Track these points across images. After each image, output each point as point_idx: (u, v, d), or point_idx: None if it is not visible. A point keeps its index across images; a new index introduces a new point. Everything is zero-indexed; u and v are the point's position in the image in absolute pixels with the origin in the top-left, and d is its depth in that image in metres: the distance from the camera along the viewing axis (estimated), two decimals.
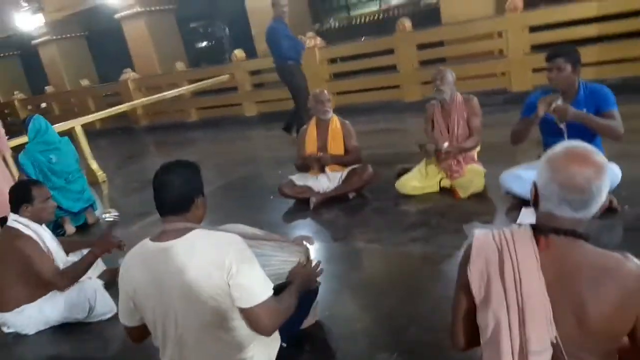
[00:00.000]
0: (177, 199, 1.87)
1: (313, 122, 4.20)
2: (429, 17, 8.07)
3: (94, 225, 4.46)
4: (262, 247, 2.21)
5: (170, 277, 1.81)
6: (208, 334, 1.86)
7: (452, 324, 1.56)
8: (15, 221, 2.80)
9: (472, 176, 3.59)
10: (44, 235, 2.86)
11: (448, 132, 3.79)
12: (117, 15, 10.57)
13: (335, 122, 4.12)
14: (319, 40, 7.72)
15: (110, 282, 3.10)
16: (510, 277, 1.33)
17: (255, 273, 1.84)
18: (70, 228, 4.47)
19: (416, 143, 3.87)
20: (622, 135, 2.87)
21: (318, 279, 2.27)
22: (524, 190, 3.15)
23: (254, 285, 1.81)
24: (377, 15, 15.44)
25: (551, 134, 3.10)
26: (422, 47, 6.89)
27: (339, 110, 7.13)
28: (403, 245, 3.06)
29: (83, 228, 4.46)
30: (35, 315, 2.82)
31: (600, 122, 2.88)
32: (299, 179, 4.14)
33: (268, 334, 1.91)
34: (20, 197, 2.84)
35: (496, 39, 6.40)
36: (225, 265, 1.77)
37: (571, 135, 2.99)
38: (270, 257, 2.22)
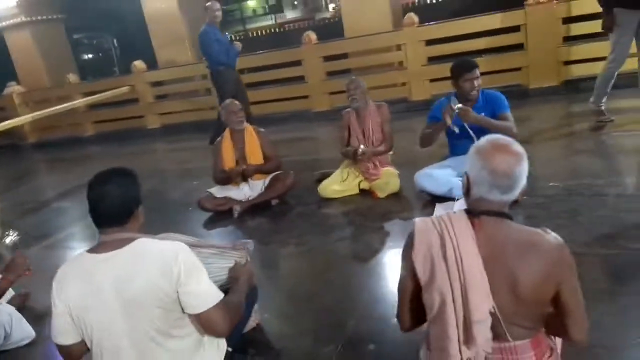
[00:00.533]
0: (116, 210, 1.81)
1: (227, 134, 4.13)
2: (329, 31, 8.44)
3: None
4: (200, 255, 2.19)
5: (114, 288, 1.75)
6: (155, 345, 1.81)
7: (399, 307, 1.69)
8: None
9: (388, 178, 3.83)
10: None
11: (364, 137, 4.00)
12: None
13: (250, 131, 4.12)
14: None
15: (21, 308, 2.88)
16: (452, 257, 1.48)
17: (204, 278, 1.84)
18: None
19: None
20: (516, 135, 3.25)
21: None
22: (436, 187, 3.45)
23: (204, 291, 1.81)
24: (273, 29, 15.80)
25: (456, 137, 3.44)
26: (328, 59, 7.16)
27: (254, 119, 7.20)
28: (331, 245, 3.18)
29: None
30: None
31: (496, 124, 3.23)
32: (219, 191, 4.11)
33: (224, 335, 1.92)
34: None
35: (395, 52, 6.85)
36: (173, 273, 1.75)
37: (468, 135, 3.36)
38: (209, 265, 2.21)
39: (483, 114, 3.32)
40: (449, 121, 3.27)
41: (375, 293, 2.43)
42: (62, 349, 1.89)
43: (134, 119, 8.74)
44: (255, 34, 13.98)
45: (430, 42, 6.52)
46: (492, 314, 1.47)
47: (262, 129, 4.20)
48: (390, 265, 2.78)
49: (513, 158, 1.47)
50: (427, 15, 7.06)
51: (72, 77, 8.92)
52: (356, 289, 2.61)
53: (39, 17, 9.59)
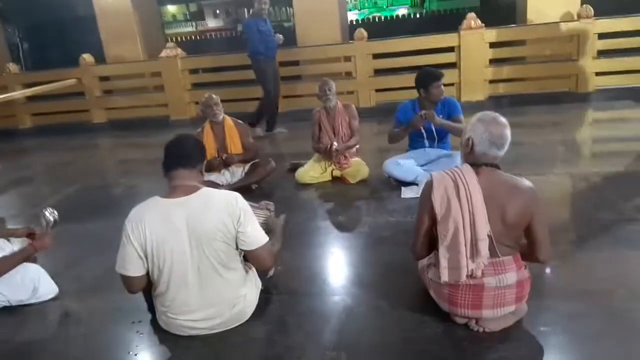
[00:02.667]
0: (190, 152, 2.26)
1: (207, 125, 4.46)
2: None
3: None
4: None
5: (187, 226, 2.15)
6: (215, 274, 2.23)
7: (415, 240, 2.26)
8: None
9: (358, 166, 4.41)
10: None
11: (334, 133, 4.55)
12: None
13: (228, 122, 4.49)
14: (179, 50, 7.93)
15: None
16: (463, 195, 2.07)
17: (255, 222, 2.28)
18: None
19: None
20: None
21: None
22: (403, 174, 4.08)
23: (256, 232, 2.26)
24: (193, 35, 16.18)
25: (416, 135, 4.16)
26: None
27: (201, 118, 7.51)
28: (321, 221, 3.67)
29: None
30: None
31: (453, 126, 3.94)
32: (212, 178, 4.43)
33: (269, 269, 2.38)
34: None
35: (344, 63, 7.52)
36: (235, 214, 2.18)
37: (431, 135, 4.08)
38: None
39: (441, 115, 4.02)
40: (420, 125, 3.94)
41: (357, 255, 3.02)
42: (127, 279, 2.24)
43: (78, 113, 8.62)
44: (173, 40, 14.17)
45: (377, 56, 7.28)
46: (489, 237, 2.07)
47: (239, 120, 4.59)
48: (367, 233, 3.36)
49: (505, 125, 2.10)
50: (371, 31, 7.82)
51: (13, 67, 8.61)
52: (342, 254, 3.14)
53: None
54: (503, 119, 2.13)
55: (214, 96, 4.41)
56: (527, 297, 2.20)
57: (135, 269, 2.20)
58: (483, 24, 6.89)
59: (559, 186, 3.96)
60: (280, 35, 6.54)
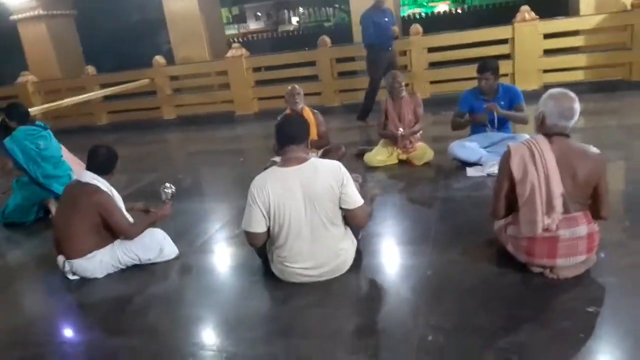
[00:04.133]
0: (298, 133, 2.70)
1: (289, 112, 4.98)
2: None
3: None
4: None
5: (301, 189, 2.61)
6: (324, 229, 2.68)
7: (495, 202, 2.63)
8: (94, 179, 3.19)
9: (423, 150, 4.78)
10: (115, 194, 3.28)
11: (399, 120, 4.93)
12: (13, 17, 10.04)
13: (307, 112, 4.95)
14: (244, 50, 8.51)
15: None
16: (539, 159, 2.43)
17: (354, 186, 2.71)
18: (55, 209, 4.63)
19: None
20: (528, 122, 4.27)
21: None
22: (468, 155, 4.42)
23: (355, 194, 2.69)
24: (235, 37, 17.07)
25: (477, 124, 4.49)
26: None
27: (265, 113, 8.06)
28: (395, 196, 4.07)
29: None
30: (106, 260, 3.20)
31: (514, 115, 4.27)
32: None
33: (364, 226, 2.82)
34: (113, 162, 3.28)
35: (400, 57, 7.90)
36: (339, 178, 2.63)
37: (493, 123, 4.41)
38: None
39: (502, 102, 4.33)
40: (484, 121, 4.34)
41: (434, 222, 3.44)
42: (252, 235, 2.73)
43: (150, 110, 9.35)
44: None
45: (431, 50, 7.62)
46: (562, 195, 2.41)
47: (316, 111, 5.05)
48: (440, 206, 3.74)
49: (573, 100, 2.45)
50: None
51: (91, 69, 9.43)
52: (420, 222, 3.55)
53: (55, 12, 10.06)
54: (572, 94, 2.47)
55: (297, 87, 4.88)
56: (596, 249, 2.53)
57: (259, 226, 2.68)
58: (537, 16, 7.10)
59: (616, 170, 4.19)
60: (396, 28, 6.62)
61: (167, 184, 3.54)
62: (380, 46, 6.53)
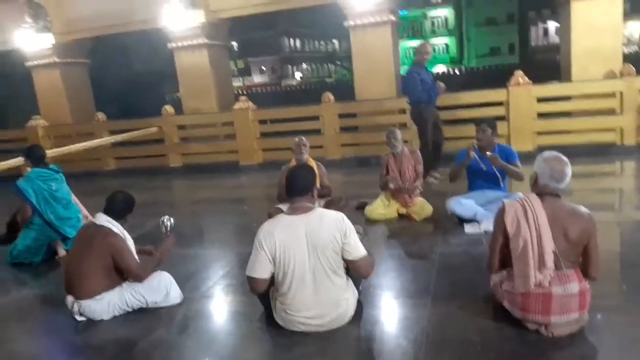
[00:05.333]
0: (305, 187, 2.87)
1: (293, 162, 5.19)
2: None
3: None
4: None
5: (307, 236, 2.76)
6: (326, 278, 2.81)
7: (490, 256, 2.77)
8: (108, 222, 3.33)
9: (422, 205, 4.95)
10: (127, 237, 3.41)
11: (400, 175, 5.13)
12: (28, 64, 10.48)
13: (311, 163, 5.17)
14: (250, 103, 8.86)
15: None
16: (531, 216, 2.59)
17: (356, 237, 2.85)
18: (62, 251, 4.72)
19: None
20: (523, 178, 4.47)
21: None
22: (464, 211, 4.58)
23: (358, 245, 2.83)
24: (240, 90, 17.58)
25: (476, 176, 4.69)
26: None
27: (268, 163, 8.29)
28: (395, 249, 4.21)
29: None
30: (114, 302, 3.29)
31: (512, 169, 4.47)
32: (284, 207, 5.07)
33: (367, 276, 2.93)
34: (130, 207, 3.42)
35: (398, 115, 8.23)
36: (342, 229, 2.78)
37: (491, 176, 4.61)
38: None
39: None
40: (472, 158, 4.55)
41: (433, 276, 3.55)
42: (255, 281, 2.85)
43: (157, 157, 9.59)
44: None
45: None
46: (554, 252, 2.56)
47: (320, 164, 5.26)
48: (439, 260, 3.85)
49: (565, 164, 2.64)
50: None
51: (101, 115, 9.75)
52: (419, 274, 3.66)
53: (69, 60, 10.51)
54: (564, 158, 2.66)
55: (303, 138, 5.11)
56: (588, 307, 2.64)
57: (263, 272, 2.80)
58: (530, 81, 7.48)
59: (610, 232, 4.33)
60: (442, 84, 6.44)
61: (166, 217, 3.64)
62: (427, 102, 6.41)
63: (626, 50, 13.04)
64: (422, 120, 6.45)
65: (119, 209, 3.39)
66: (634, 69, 7.25)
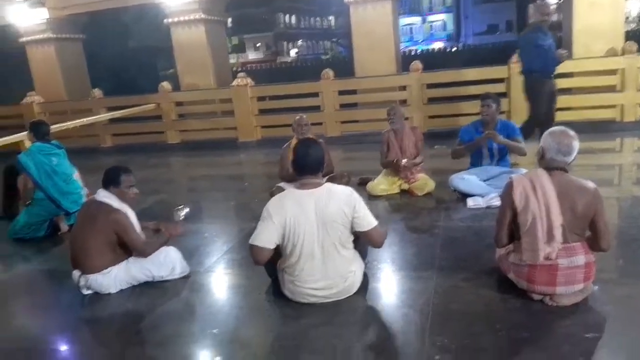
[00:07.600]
0: (314, 164, 2.85)
1: (294, 141, 5.15)
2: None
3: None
4: None
5: (316, 211, 2.76)
6: (335, 251, 2.82)
7: (498, 231, 2.79)
8: (106, 197, 3.31)
9: (425, 180, 4.96)
10: (129, 212, 3.40)
11: (401, 152, 5.13)
12: (22, 39, 10.30)
13: None
14: (249, 79, 8.77)
15: None
16: (539, 191, 2.60)
17: (366, 208, 2.86)
18: (64, 227, 4.73)
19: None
20: (525, 154, 4.49)
21: None
22: (467, 187, 4.60)
23: (368, 216, 2.84)
24: (234, 67, 17.46)
25: (478, 152, 4.70)
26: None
27: (267, 140, 8.28)
28: (397, 224, 4.22)
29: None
30: (121, 276, 3.31)
31: (513, 145, 4.48)
32: (286, 186, 5.06)
33: (380, 245, 2.94)
34: (111, 178, 3.37)
35: (400, 92, 8.18)
36: (351, 203, 2.78)
37: (494, 151, 4.62)
38: None
39: (501, 136, 4.55)
40: (482, 143, 4.56)
41: (437, 249, 3.58)
42: (258, 250, 2.82)
43: (155, 134, 9.52)
44: None
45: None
46: (562, 226, 2.58)
47: (321, 140, 5.22)
48: (441, 234, 3.88)
49: (571, 137, 2.64)
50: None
51: (97, 92, 9.64)
52: (423, 248, 3.69)
53: (64, 35, 10.34)
54: (571, 132, 2.67)
55: (304, 117, 5.08)
56: (593, 279, 2.68)
57: (267, 242, 2.78)
58: None
59: (610, 207, 4.35)
60: (564, 51, 5.82)
61: (181, 205, 3.67)
62: (542, 72, 5.64)
63: (628, 28, 12.96)
64: (534, 92, 5.73)
65: (108, 177, 3.36)
66: (636, 45, 7.22)
